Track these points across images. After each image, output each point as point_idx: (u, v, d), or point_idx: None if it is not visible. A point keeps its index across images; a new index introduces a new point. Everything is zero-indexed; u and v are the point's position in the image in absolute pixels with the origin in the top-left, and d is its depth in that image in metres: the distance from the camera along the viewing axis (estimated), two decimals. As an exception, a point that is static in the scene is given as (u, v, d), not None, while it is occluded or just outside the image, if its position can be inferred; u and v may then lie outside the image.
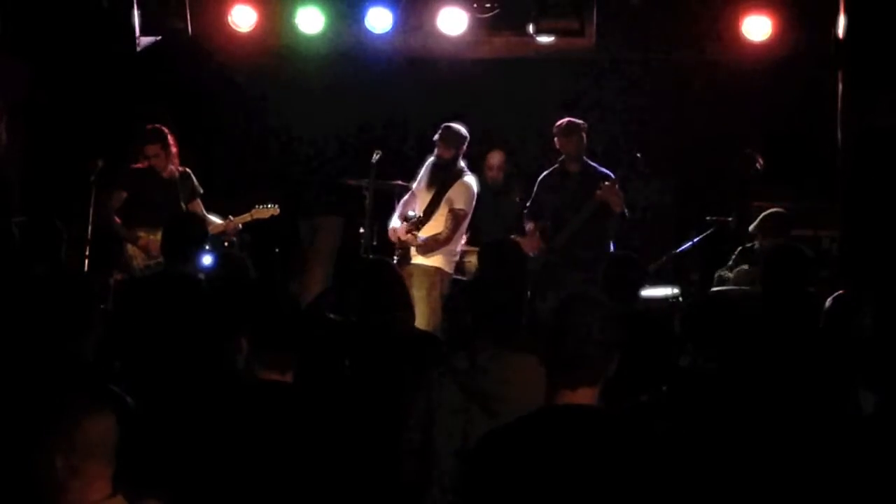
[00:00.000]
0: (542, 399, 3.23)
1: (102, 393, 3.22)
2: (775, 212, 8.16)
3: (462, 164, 8.68)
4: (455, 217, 8.53)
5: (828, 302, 5.22)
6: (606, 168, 8.78)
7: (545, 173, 8.90)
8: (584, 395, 3.18)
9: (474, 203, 8.65)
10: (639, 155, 8.89)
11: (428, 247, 8.49)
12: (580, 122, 8.76)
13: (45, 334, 4.22)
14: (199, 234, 6.03)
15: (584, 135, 8.73)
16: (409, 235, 8.46)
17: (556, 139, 8.73)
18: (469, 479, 3.28)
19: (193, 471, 3.59)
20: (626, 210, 8.57)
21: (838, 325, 5.00)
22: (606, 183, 8.47)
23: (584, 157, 8.77)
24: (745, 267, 8.08)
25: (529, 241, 8.67)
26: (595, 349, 3.18)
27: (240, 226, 8.85)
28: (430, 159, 8.74)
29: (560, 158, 8.80)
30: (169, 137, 8.54)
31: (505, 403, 3.95)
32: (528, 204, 8.97)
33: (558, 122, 8.76)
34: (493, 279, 5.25)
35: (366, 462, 3.89)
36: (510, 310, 5.13)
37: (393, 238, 8.65)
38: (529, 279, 8.53)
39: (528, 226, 8.89)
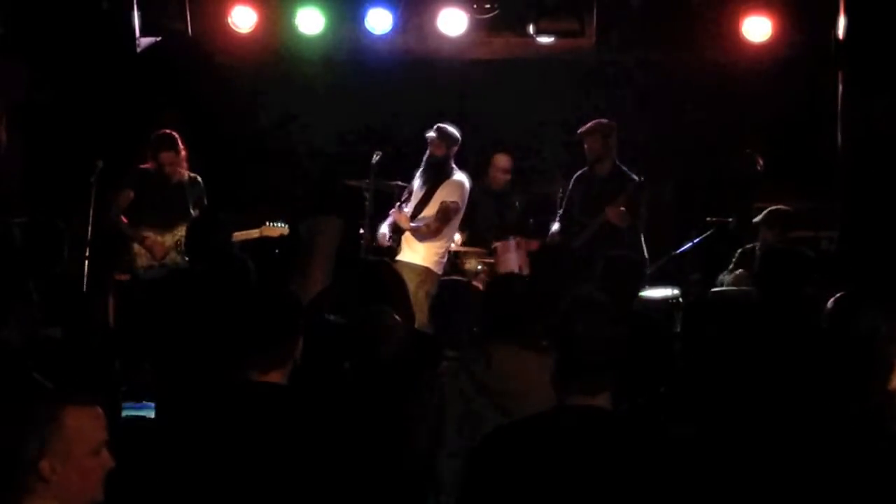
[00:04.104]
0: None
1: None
2: (781, 208, 8.17)
3: (453, 165, 8.62)
4: (445, 209, 8.41)
5: (829, 303, 5.20)
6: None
7: (578, 173, 8.80)
8: (602, 399, 3.22)
9: (466, 198, 8.58)
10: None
11: (419, 232, 8.42)
12: (604, 121, 8.65)
13: None
14: (223, 235, 6.09)
15: (609, 136, 8.59)
16: (401, 215, 8.41)
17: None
18: (474, 476, 3.28)
19: (185, 469, 3.59)
20: (636, 223, 8.48)
21: (841, 326, 4.99)
22: (609, 208, 8.39)
23: (616, 160, 8.64)
24: (742, 271, 8.08)
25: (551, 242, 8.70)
26: (610, 354, 3.22)
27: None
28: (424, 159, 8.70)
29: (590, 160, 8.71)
30: (179, 142, 8.54)
31: (518, 400, 3.96)
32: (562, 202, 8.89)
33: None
34: (546, 283, 5.27)
35: (365, 463, 3.89)
36: (548, 313, 5.15)
37: (381, 242, 8.55)
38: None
39: (555, 226, 8.84)
